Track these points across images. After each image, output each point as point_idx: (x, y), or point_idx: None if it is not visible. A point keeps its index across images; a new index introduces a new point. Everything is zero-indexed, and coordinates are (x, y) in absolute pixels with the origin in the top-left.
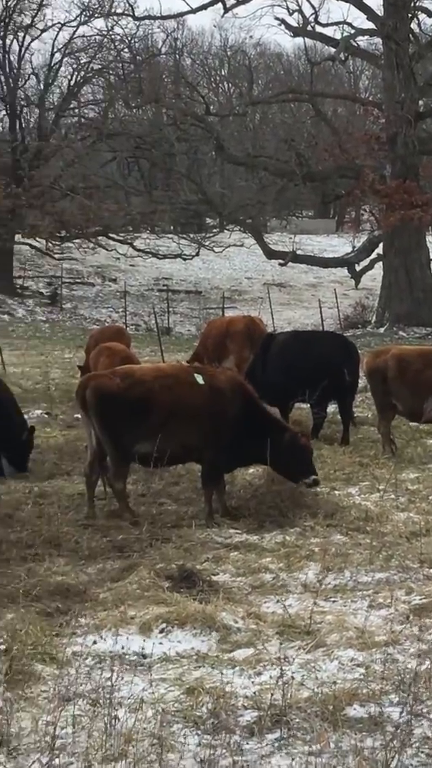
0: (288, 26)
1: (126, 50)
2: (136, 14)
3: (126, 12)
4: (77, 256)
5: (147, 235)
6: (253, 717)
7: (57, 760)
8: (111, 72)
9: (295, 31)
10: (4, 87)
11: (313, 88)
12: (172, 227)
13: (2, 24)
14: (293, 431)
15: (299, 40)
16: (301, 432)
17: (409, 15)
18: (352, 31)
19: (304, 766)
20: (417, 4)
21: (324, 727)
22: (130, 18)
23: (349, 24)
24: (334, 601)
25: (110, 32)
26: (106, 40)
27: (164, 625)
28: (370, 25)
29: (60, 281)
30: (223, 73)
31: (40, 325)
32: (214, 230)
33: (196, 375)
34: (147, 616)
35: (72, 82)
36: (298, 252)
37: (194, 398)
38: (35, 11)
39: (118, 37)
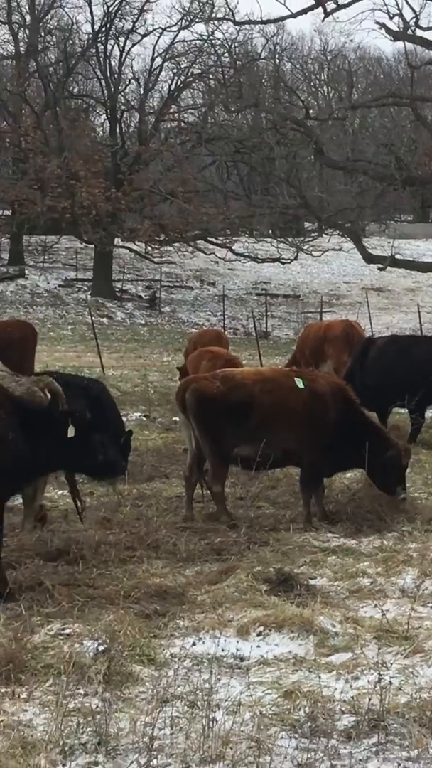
0: (388, 30)
1: (226, 55)
2: (236, 19)
3: (226, 17)
4: (176, 260)
5: (246, 239)
6: (351, 721)
7: (155, 761)
8: (211, 76)
9: (396, 35)
10: (105, 92)
11: (414, 92)
12: (270, 231)
13: (104, 29)
14: (396, 445)
15: (399, 44)
16: (405, 448)
17: None
18: None
19: None
20: None
21: (422, 733)
22: (230, 23)
23: None
24: None
25: (210, 37)
26: (206, 44)
27: (262, 628)
28: None
29: (159, 285)
30: (322, 77)
31: (138, 329)
32: (313, 234)
33: (296, 379)
34: (245, 619)
35: (172, 87)
36: (397, 256)
37: (294, 402)
38: (136, 16)
39: (219, 42)
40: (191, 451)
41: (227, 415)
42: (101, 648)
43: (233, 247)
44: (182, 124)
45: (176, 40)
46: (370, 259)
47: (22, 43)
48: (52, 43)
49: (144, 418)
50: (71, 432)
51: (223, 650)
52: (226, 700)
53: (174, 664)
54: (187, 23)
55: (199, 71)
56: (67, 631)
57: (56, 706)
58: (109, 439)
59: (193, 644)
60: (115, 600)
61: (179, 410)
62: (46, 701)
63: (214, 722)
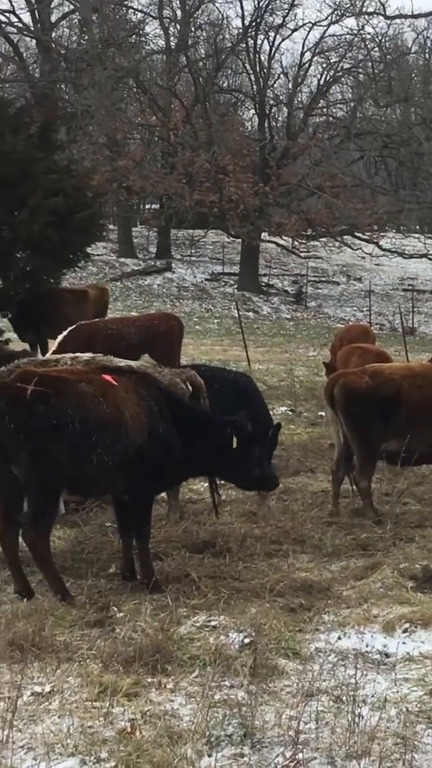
0: None
1: (376, 49)
2: (387, 13)
3: (377, 11)
4: (322, 255)
5: (393, 235)
6: None
7: (300, 755)
8: (360, 71)
9: None
10: (254, 86)
11: None
12: (418, 227)
13: (253, 24)
14: None
15: None
16: None
17: None
18: None
19: None
20: None
21: None
22: (381, 17)
23: None
24: None
25: (361, 31)
26: (356, 39)
27: (407, 624)
28: None
29: (305, 279)
30: None
31: (284, 323)
32: None
33: None
34: (390, 615)
35: (321, 81)
36: None
37: None
38: (286, 11)
39: (369, 36)
40: (338, 446)
41: (376, 410)
42: (247, 641)
43: (380, 243)
44: (331, 118)
45: (326, 35)
46: None
47: (172, 38)
48: (202, 37)
49: (290, 413)
50: (235, 443)
51: (368, 646)
52: (372, 696)
53: (319, 659)
54: (338, 18)
55: (349, 66)
56: (212, 623)
57: (202, 697)
58: (262, 451)
59: (339, 639)
60: (260, 593)
61: (327, 405)
62: (192, 692)
63: (360, 718)
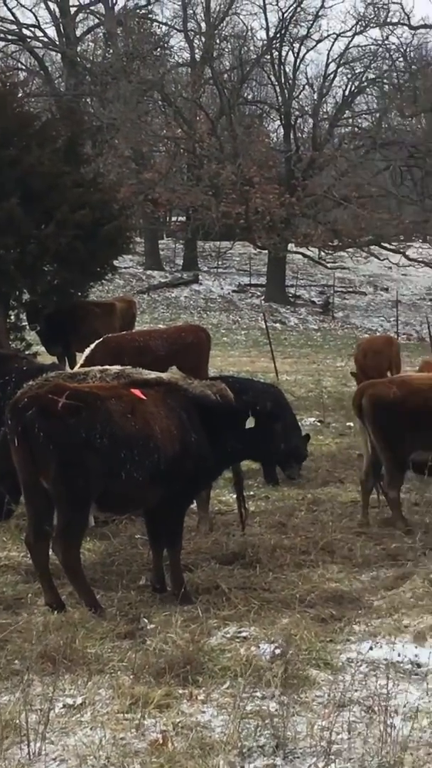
0: None
1: (401, 59)
2: (411, 23)
3: (401, 21)
4: (349, 265)
5: (420, 244)
6: None
7: (333, 765)
8: (385, 81)
9: None
10: (279, 98)
11: None
12: None
13: (278, 36)
14: None
15: None
16: None
17: None
18: None
19: None
20: None
21: None
22: (405, 27)
23: None
24: None
25: (385, 41)
26: (381, 49)
27: None
28: None
29: (332, 290)
30: None
31: (311, 334)
32: None
33: None
34: (421, 625)
35: (346, 92)
36: None
37: None
38: (311, 22)
39: (393, 47)
40: (367, 456)
41: (404, 420)
42: (277, 651)
43: (407, 253)
44: (356, 129)
45: (351, 46)
46: None
47: (197, 51)
48: (226, 49)
49: (318, 423)
50: (250, 423)
51: (399, 656)
52: (404, 706)
53: (350, 669)
54: (362, 28)
55: (374, 76)
56: (243, 634)
57: (234, 708)
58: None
59: (370, 649)
60: (290, 604)
61: (355, 415)
62: (223, 703)
63: (392, 728)
